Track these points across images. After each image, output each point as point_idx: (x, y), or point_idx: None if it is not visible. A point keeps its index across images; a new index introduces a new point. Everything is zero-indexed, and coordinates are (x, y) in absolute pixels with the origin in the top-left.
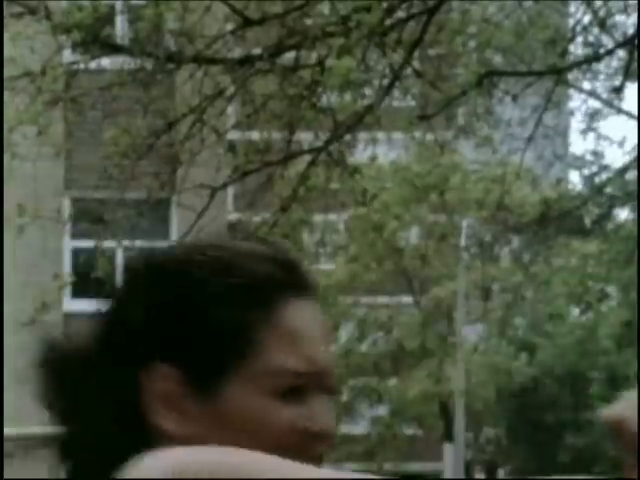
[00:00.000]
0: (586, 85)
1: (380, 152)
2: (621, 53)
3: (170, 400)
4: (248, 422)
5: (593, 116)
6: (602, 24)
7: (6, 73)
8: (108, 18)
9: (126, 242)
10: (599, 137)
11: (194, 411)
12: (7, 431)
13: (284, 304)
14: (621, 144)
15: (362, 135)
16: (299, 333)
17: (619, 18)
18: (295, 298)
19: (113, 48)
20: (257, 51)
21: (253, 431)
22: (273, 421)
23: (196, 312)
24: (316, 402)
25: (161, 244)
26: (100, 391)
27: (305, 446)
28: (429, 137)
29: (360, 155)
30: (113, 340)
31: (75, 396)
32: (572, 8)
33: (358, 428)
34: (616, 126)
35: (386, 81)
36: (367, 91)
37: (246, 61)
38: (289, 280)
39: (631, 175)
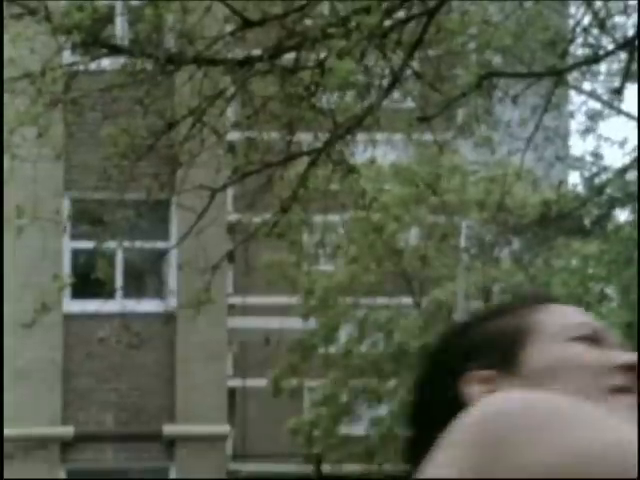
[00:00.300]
0: (586, 86)
1: (380, 153)
2: (621, 54)
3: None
4: (561, 364)
5: (593, 117)
6: (602, 25)
7: (6, 74)
8: (108, 19)
9: (126, 243)
10: (599, 138)
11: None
12: (7, 431)
13: (548, 303)
14: (621, 145)
15: (362, 136)
16: (567, 309)
17: (619, 19)
18: (554, 303)
19: (113, 49)
20: (257, 52)
21: (569, 371)
22: (581, 357)
23: (499, 326)
24: (612, 347)
25: (161, 245)
26: (435, 401)
27: (618, 379)
28: (428, 138)
29: (360, 156)
30: (442, 363)
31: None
32: (572, 9)
33: (358, 429)
34: (616, 127)
35: (386, 82)
36: (367, 93)
37: (246, 62)
38: (545, 295)
39: (631, 176)
